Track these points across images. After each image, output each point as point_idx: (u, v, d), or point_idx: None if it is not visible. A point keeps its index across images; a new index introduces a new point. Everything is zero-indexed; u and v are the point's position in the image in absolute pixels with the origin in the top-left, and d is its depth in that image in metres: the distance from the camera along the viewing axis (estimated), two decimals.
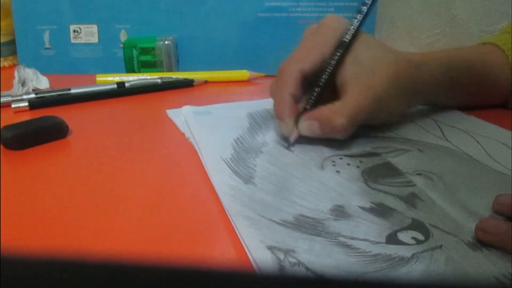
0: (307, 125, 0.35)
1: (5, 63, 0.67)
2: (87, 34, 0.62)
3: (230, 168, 0.32)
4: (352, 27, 0.36)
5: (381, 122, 0.40)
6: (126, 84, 0.53)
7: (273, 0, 0.59)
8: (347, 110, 0.35)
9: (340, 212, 0.28)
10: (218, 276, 0.10)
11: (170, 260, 0.10)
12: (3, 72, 0.64)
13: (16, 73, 0.52)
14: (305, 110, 0.36)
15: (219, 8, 0.60)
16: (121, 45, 0.61)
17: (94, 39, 0.62)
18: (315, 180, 0.31)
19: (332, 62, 0.36)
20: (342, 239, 0.25)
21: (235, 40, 0.61)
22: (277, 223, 0.26)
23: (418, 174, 0.32)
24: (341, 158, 0.35)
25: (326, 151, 0.36)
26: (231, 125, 0.39)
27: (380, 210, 0.28)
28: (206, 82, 0.58)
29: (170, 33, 0.61)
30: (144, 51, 0.60)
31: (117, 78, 0.56)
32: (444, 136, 0.39)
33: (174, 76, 0.56)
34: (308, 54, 0.37)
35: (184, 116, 0.42)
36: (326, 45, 0.37)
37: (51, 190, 0.31)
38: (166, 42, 0.59)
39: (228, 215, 0.27)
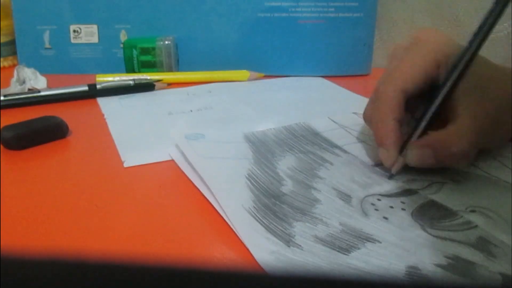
0: (418, 154, 0.31)
1: (5, 63, 0.66)
2: (87, 34, 0.62)
3: (259, 223, 0.27)
4: (477, 37, 0.29)
5: (494, 147, 0.35)
6: (98, 86, 0.52)
7: (273, 0, 0.59)
8: (466, 133, 0.30)
9: (419, 276, 0.23)
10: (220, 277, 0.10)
11: (169, 260, 0.10)
12: (3, 72, 0.64)
13: (15, 73, 0.52)
14: (409, 138, 0.31)
15: (219, 8, 0.60)
16: (121, 45, 0.61)
17: (94, 39, 0.62)
18: (364, 231, 0.26)
19: (448, 83, 0.30)
20: None
21: (235, 40, 0.61)
22: None
23: (472, 211, 0.28)
24: (379, 200, 0.30)
25: (356, 190, 0.31)
26: (234, 155, 0.35)
27: (460, 267, 0.24)
28: (168, 85, 0.56)
29: (170, 33, 0.61)
30: (144, 51, 0.59)
31: (117, 78, 0.56)
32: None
33: (148, 77, 0.55)
34: (409, 72, 0.32)
35: (176, 144, 0.36)
36: (428, 61, 0.32)
37: (51, 190, 0.31)
38: (166, 42, 0.59)
39: None
